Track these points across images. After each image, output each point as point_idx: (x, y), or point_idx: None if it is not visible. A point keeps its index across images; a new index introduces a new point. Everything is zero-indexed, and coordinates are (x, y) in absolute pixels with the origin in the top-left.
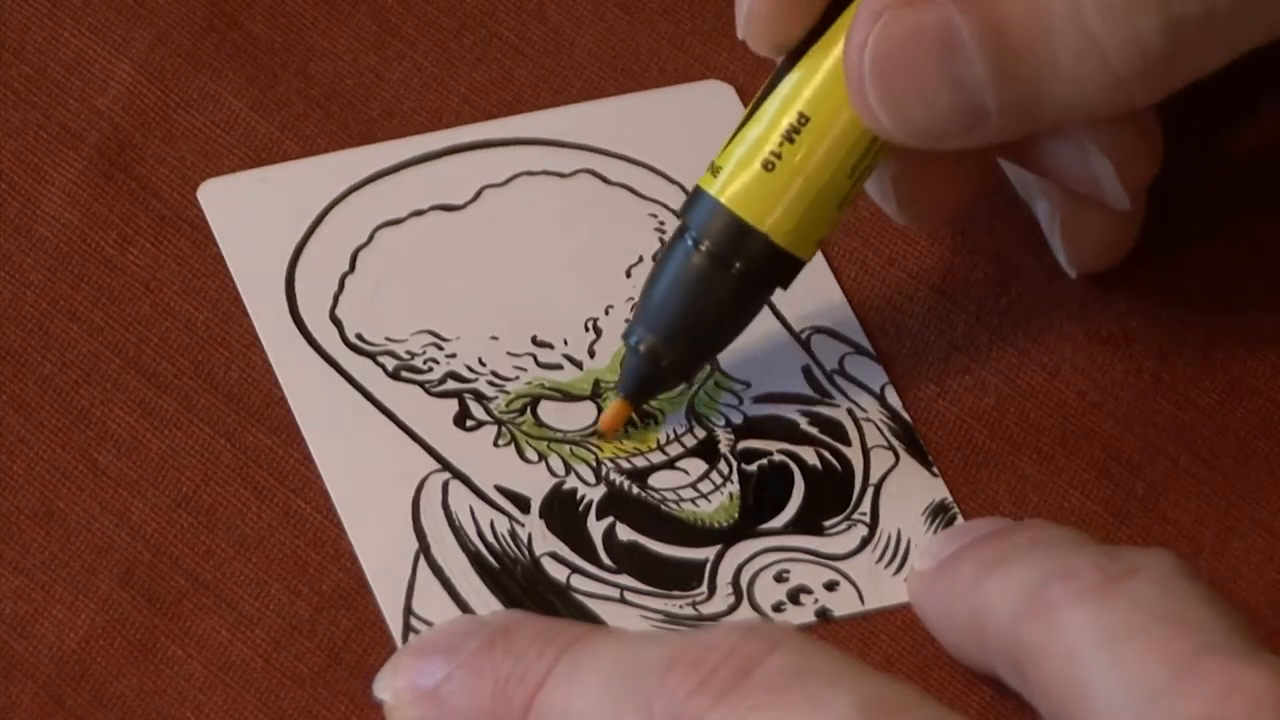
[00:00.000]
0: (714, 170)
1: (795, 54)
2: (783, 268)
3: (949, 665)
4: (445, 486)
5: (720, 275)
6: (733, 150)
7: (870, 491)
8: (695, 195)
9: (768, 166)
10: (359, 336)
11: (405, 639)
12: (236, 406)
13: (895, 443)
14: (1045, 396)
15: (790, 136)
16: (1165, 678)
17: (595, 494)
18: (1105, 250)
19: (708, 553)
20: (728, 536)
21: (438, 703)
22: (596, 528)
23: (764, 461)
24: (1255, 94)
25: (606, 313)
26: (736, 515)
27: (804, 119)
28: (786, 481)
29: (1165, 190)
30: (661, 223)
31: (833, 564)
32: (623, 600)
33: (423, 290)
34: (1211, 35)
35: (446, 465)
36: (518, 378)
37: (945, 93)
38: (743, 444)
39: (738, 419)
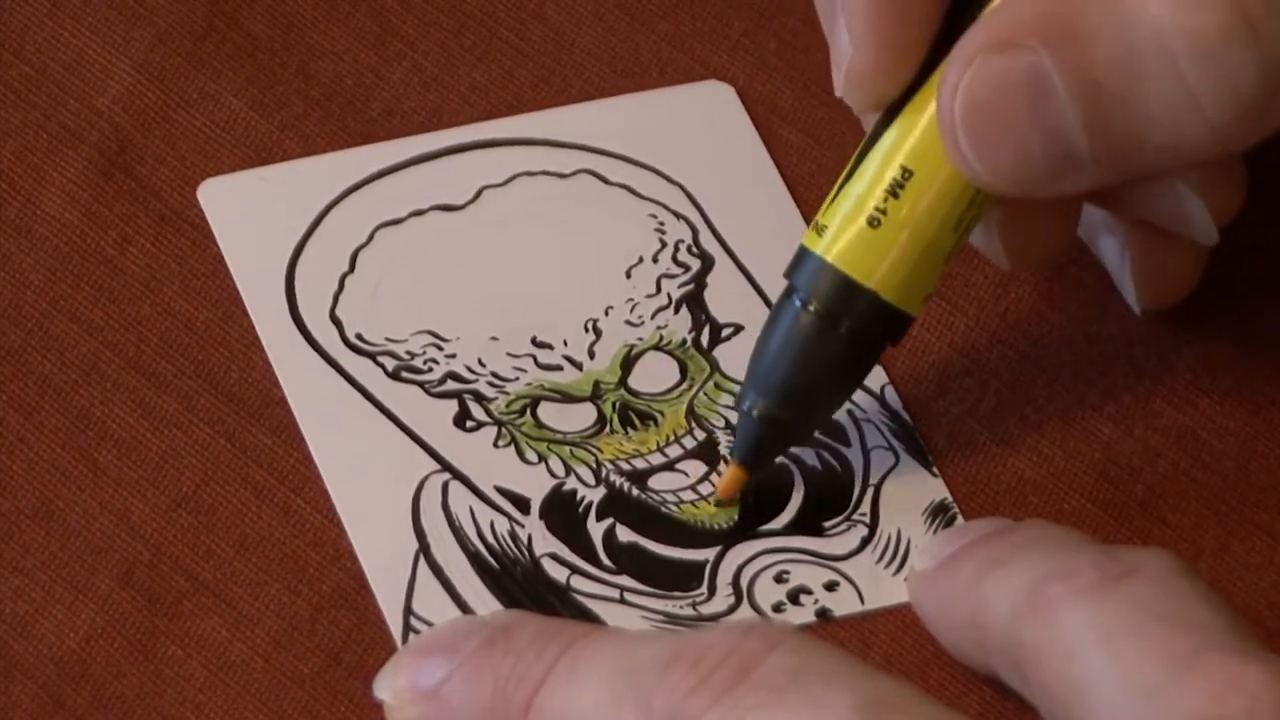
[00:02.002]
0: (818, 229)
1: (894, 108)
2: (892, 324)
3: (949, 665)
4: (445, 487)
5: (829, 335)
6: (836, 208)
7: (870, 492)
8: (800, 255)
9: (873, 223)
10: (359, 336)
11: (405, 639)
12: (236, 406)
13: (895, 443)
14: (1045, 398)
15: (894, 192)
16: (1164, 676)
17: (595, 495)
18: (1174, 287)
19: (708, 554)
20: (727, 537)
21: (438, 702)
22: (596, 529)
23: None
24: None
25: (606, 313)
26: (736, 516)
27: (907, 173)
28: (786, 482)
29: None
30: (661, 223)
31: (833, 564)
32: (623, 601)
33: (423, 290)
34: None
35: (446, 466)
36: (518, 378)
37: (1037, 141)
38: None
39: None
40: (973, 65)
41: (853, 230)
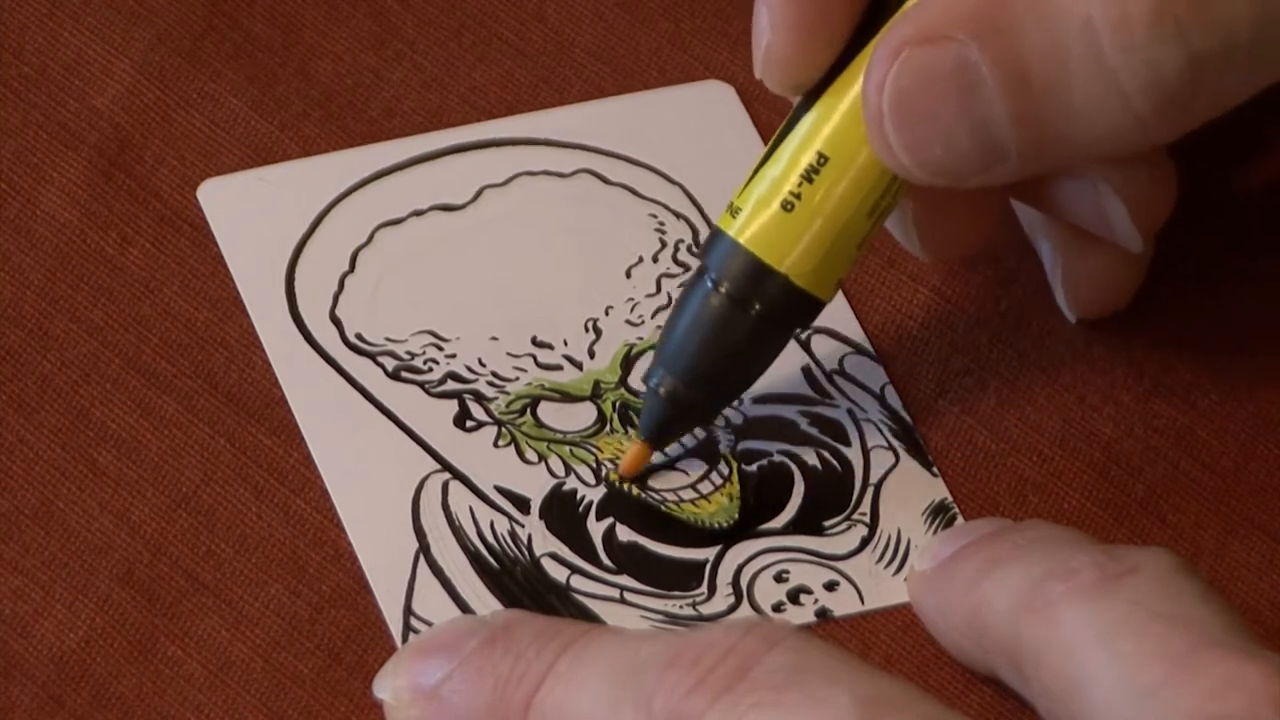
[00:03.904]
0: (733, 211)
1: (813, 93)
2: (802, 309)
3: (949, 665)
4: (445, 487)
5: (739, 317)
6: (751, 190)
7: (870, 491)
8: (714, 236)
9: (787, 207)
10: (359, 336)
11: (405, 639)
12: (236, 406)
13: (895, 443)
14: (1045, 398)
15: (809, 176)
16: (1163, 674)
17: (595, 495)
18: (1106, 296)
19: (708, 553)
20: (727, 537)
21: (438, 702)
22: (596, 528)
23: (764, 462)
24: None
25: (606, 313)
26: (736, 516)
27: (823, 159)
28: (786, 482)
29: None
30: (661, 223)
31: (833, 564)
32: (623, 600)
33: (423, 290)
34: (1231, 71)
35: (446, 465)
36: (518, 378)
37: (965, 132)
38: (743, 444)
39: (737, 419)
40: (900, 58)
41: (767, 214)
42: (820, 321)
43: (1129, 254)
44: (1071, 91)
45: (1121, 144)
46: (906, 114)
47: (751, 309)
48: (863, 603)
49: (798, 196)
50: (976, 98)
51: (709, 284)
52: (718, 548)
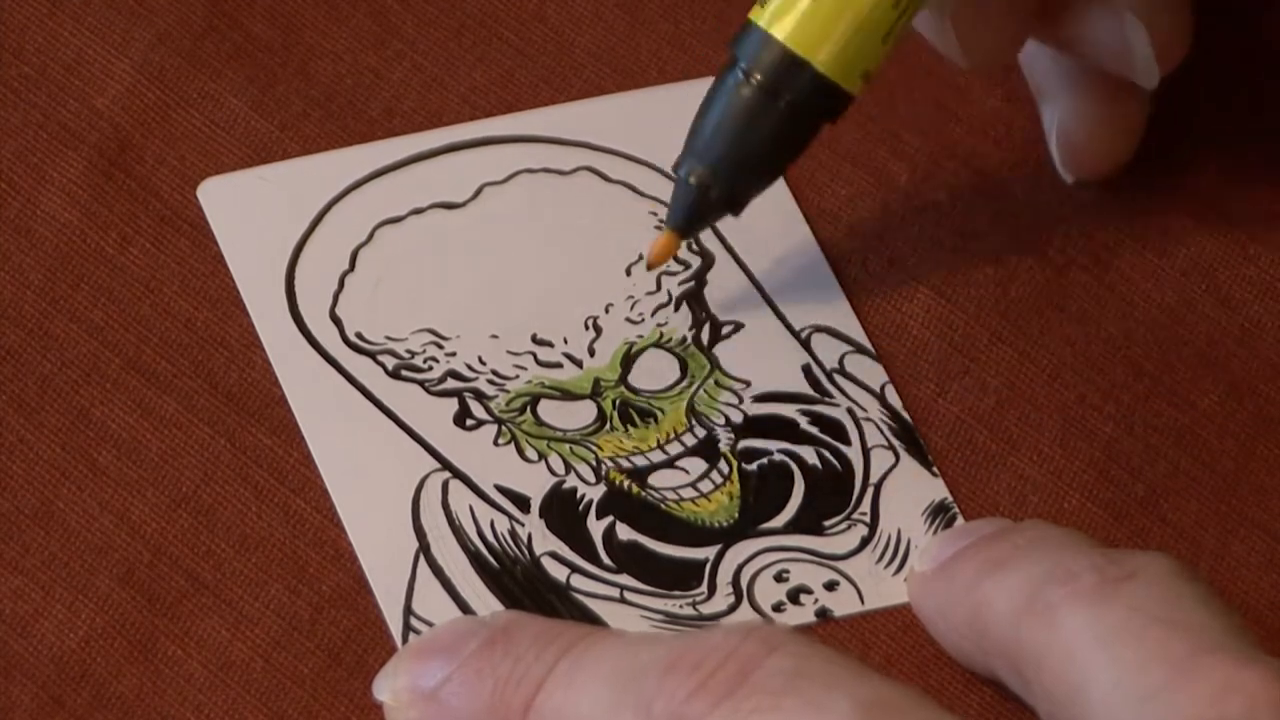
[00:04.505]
0: (762, 2)
1: None
2: (831, 100)
3: (949, 665)
4: (445, 486)
5: (769, 107)
6: None
7: (870, 491)
8: (744, 27)
9: None
10: (359, 335)
11: (405, 639)
12: (236, 406)
13: (895, 442)
14: (1045, 397)
15: None
16: (1163, 678)
17: (595, 493)
18: (1103, 154)
19: (708, 552)
20: (728, 536)
21: (437, 704)
22: (596, 527)
23: (764, 461)
24: (1255, 96)
25: (606, 311)
26: (736, 515)
27: None
28: (786, 481)
29: (1162, 187)
30: (661, 221)
31: (833, 564)
32: (623, 600)
33: (423, 289)
34: None
35: (446, 464)
36: (518, 376)
37: None
38: (743, 443)
39: (738, 418)
40: None
41: (797, 6)
42: (820, 320)
43: (1126, 112)
44: None
45: None
46: None
47: (781, 100)
48: (863, 603)
49: None
50: None
51: (739, 74)
52: (718, 547)
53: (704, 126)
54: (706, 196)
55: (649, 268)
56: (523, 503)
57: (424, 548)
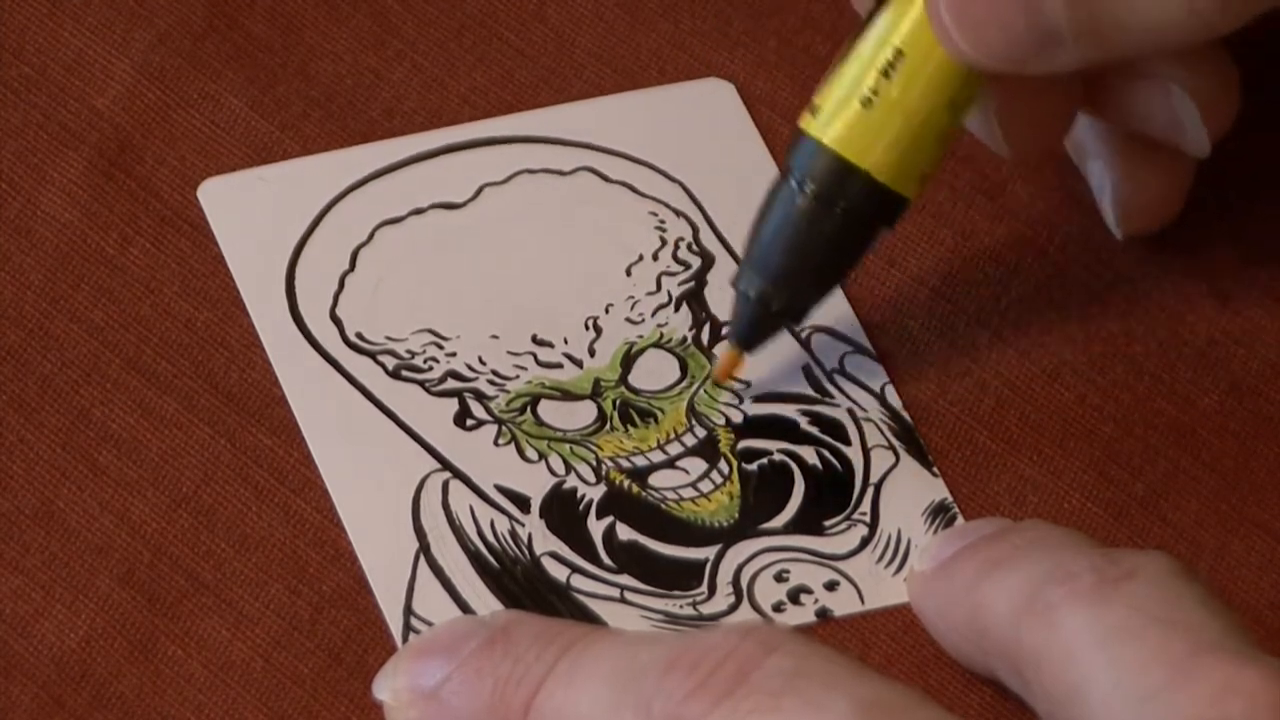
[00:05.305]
0: (813, 110)
1: None
2: (886, 206)
3: (949, 665)
4: (445, 486)
5: (826, 216)
6: (831, 90)
7: (870, 491)
8: (796, 137)
9: (866, 104)
10: (359, 335)
11: (405, 639)
12: (236, 406)
13: (895, 442)
14: (1045, 397)
15: (887, 73)
16: (1163, 679)
17: (595, 493)
18: (1155, 210)
19: (708, 552)
20: (728, 536)
21: (437, 703)
22: (596, 527)
23: (764, 461)
24: (1255, 95)
25: (607, 311)
26: (736, 515)
27: (899, 55)
28: (786, 481)
29: None
30: (662, 221)
31: (833, 564)
32: (623, 600)
33: (423, 289)
34: None
35: (446, 465)
36: (518, 376)
37: (1020, 16)
38: (743, 443)
39: (738, 418)
40: None
41: (847, 112)
42: (820, 321)
43: (1176, 169)
44: None
45: (1178, 31)
46: (963, 1)
47: (836, 208)
48: (863, 603)
49: (876, 93)
50: None
51: (794, 185)
52: (718, 547)
53: (760, 239)
54: (768, 310)
55: (715, 384)
56: (523, 503)
57: (424, 548)
